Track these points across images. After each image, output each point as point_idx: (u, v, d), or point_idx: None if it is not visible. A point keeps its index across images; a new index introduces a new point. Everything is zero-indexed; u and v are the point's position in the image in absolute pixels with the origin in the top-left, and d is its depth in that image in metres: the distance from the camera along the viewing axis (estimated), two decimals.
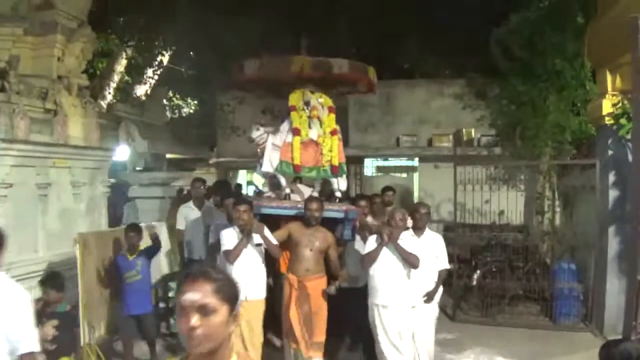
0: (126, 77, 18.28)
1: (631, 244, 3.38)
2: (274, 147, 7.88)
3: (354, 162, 14.87)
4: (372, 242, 6.96)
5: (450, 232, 11.56)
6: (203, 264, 2.50)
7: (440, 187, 13.28)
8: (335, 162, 7.83)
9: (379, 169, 16.29)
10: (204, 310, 2.21)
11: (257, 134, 7.98)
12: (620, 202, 8.77)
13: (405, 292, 6.81)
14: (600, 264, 9.17)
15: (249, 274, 6.88)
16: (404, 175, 15.97)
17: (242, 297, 6.43)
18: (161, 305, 9.47)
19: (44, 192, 8.15)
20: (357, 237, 7.68)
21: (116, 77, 16.86)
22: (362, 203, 8.28)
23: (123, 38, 16.81)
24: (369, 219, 8.09)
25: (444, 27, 15.83)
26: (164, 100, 18.94)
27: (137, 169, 12.08)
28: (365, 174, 15.95)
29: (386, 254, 6.78)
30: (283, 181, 7.89)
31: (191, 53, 18.66)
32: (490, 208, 10.93)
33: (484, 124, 14.43)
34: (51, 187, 8.28)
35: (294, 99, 7.85)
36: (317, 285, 7.17)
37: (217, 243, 7.22)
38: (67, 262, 7.91)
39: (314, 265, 7.14)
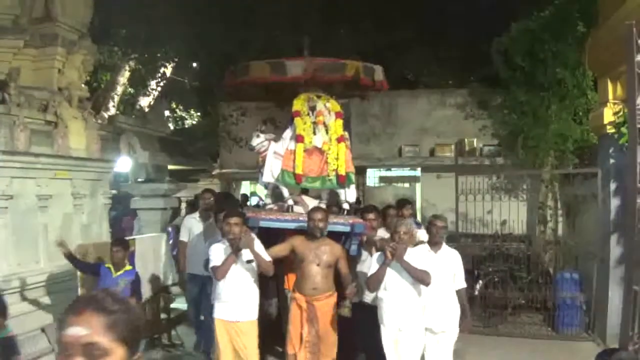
0: (129, 89, 18.38)
1: (627, 253, 3.36)
2: (276, 155, 7.42)
3: (356, 172, 14.84)
4: (375, 260, 6.21)
5: (453, 242, 11.52)
6: (101, 291, 1.82)
7: (443, 197, 13.24)
8: (342, 172, 7.31)
9: (382, 179, 16.29)
10: (90, 352, 1.69)
11: (258, 141, 7.50)
12: (622, 211, 8.75)
13: (417, 313, 6.10)
14: (603, 273, 9.13)
15: (239, 294, 6.38)
16: (407, 185, 15.97)
17: (232, 318, 6.14)
18: (163, 316, 9.47)
19: (45, 204, 8.16)
20: (363, 254, 7.10)
21: (119, 89, 16.96)
22: (371, 216, 7.40)
23: (126, 50, 16.90)
24: (381, 232, 7.40)
25: (446, 37, 15.88)
26: (167, 112, 19.00)
27: (139, 180, 12.08)
28: (367, 184, 15.93)
29: (393, 272, 6.00)
30: (286, 192, 7.48)
31: (194, 64, 18.72)
32: (493, 218, 10.90)
33: (486, 133, 14.40)
34: (52, 199, 8.29)
35: (299, 103, 7.43)
36: (327, 305, 6.61)
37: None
38: (68, 274, 7.91)
39: (322, 283, 6.56)
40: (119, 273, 6.99)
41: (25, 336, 7.35)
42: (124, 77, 17.13)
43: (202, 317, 8.13)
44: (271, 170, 7.43)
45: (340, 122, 7.48)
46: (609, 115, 8.78)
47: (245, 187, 17.90)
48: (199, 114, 21.10)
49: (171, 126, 19.94)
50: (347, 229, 7.09)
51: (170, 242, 9.93)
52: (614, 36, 8.08)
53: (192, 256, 8.31)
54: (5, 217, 7.46)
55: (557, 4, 12.41)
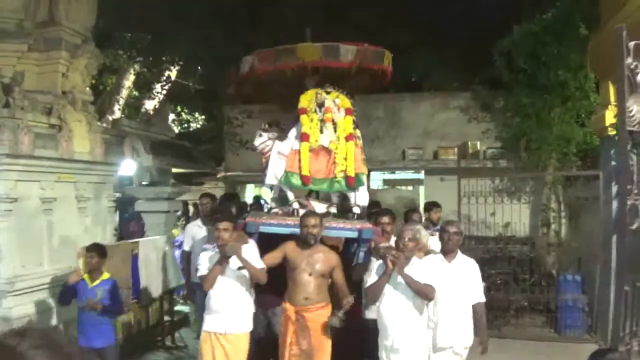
0: (134, 92, 18.46)
1: (619, 255, 3.40)
2: (280, 155, 6.94)
3: None
4: (374, 270, 5.64)
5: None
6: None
7: (446, 200, 13.22)
8: (351, 173, 6.75)
9: (385, 182, 16.34)
10: None
11: (260, 140, 7.04)
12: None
13: (418, 331, 5.44)
14: (605, 275, 9.15)
15: (230, 304, 5.97)
16: (410, 188, 16.01)
17: (220, 330, 5.83)
18: (166, 318, 9.53)
19: (49, 207, 8.21)
20: (372, 262, 5.98)
21: (124, 93, 17.03)
22: (385, 219, 6.90)
23: (131, 54, 16.98)
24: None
25: (450, 39, 15.91)
26: (172, 115, 19.06)
27: (143, 183, 12.15)
28: (371, 187, 15.96)
29: (394, 284, 5.41)
30: (290, 195, 7.04)
31: (199, 68, 18.79)
32: (495, 220, 10.94)
33: (489, 136, 14.42)
34: (56, 202, 8.34)
35: (306, 100, 6.96)
36: (319, 316, 6.11)
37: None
38: None
39: (314, 293, 6.10)
40: (95, 283, 6.61)
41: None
42: (129, 81, 17.20)
43: None
44: (274, 172, 6.98)
45: (350, 119, 6.97)
46: (610, 117, 8.80)
47: (251, 191, 17.96)
48: (203, 117, 21.15)
49: (176, 129, 20.02)
50: (355, 234, 6.59)
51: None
52: (614, 38, 8.11)
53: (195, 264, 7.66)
54: (9, 219, 7.49)
55: (559, 7, 12.46)
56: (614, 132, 8.81)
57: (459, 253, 6.11)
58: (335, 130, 6.89)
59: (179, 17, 15.57)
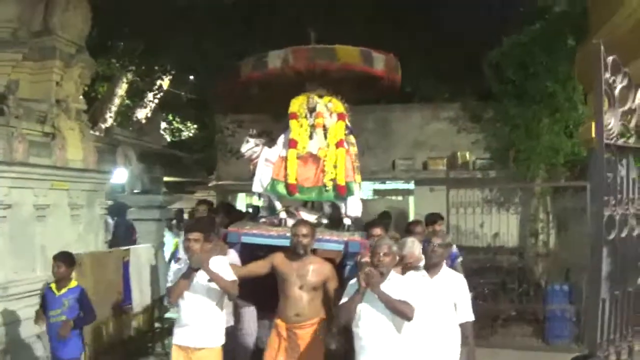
0: (127, 101, 18.52)
1: (595, 265, 3.50)
2: (267, 162, 6.61)
3: None
4: (348, 287, 5.08)
5: None
6: None
7: (436, 210, 13.28)
8: (341, 181, 6.37)
9: (375, 192, 16.42)
10: None
11: (247, 146, 6.67)
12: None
13: (400, 354, 4.81)
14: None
15: (200, 317, 5.56)
16: (400, 198, 16.08)
17: (191, 344, 5.52)
18: (157, 325, 9.58)
19: (42, 213, 8.26)
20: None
21: (117, 101, 17.10)
22: (377, 231, 6.24)
23: (124, 63, 17.04)
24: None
25: (441, 50, 16.02)
26: (164, 124, 19.12)
27: (135, 191, 12.19)
28: (361, 197, 16.00)
29: (371, 302, 4.80)
30: (278, 204, 6.64)
31: (191, 77, 18.86)
32: (483, 231, 11.02)
33: (479, 147, 14.53)
34: (49, 209, 8.39)
35: (296, 104, 6.64)
36: (312, 333, 5.65)
37: None
38: None
39: (306, 308, 5.64)
40: (62, 292, 6.29)
41: (21, 343, 7.47)
42: (121, 89, 17.27)
43: None
44: (260, 179, 6.64)
45: (341, 124, 6.61)
46: None
47: (242, 200, 17.99)
48: (195, 126, 21.22)
49: (168, 138, 20.08)
50: (341, 247, 6.18)
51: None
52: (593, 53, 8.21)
53: None
54: (3, 225, 7.54)
55: (548, 18, 12.57)
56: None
57: (444, 267, 5.53)
58: (325, 137, 6.58)
59: (171, 27, 15.63)
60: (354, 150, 6.84)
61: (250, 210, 9.19)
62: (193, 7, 15.16)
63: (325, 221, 6.74)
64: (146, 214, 11.44)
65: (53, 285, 6.36)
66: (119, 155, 11.02)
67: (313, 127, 6.58)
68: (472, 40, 14.21)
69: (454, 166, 14.43)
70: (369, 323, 4.80)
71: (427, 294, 5.01)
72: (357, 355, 4.92)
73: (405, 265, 5.23)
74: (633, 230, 3.78)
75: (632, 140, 3.84)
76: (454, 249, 7.71)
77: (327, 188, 6.46)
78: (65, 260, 6.34)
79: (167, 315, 10.06)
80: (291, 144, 6.49)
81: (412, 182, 15.48)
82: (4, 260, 7.52)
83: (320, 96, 6.69)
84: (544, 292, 10.44)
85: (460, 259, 8.02)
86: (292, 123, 6.57)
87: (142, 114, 18.15)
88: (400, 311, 4.67)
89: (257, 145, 6.68)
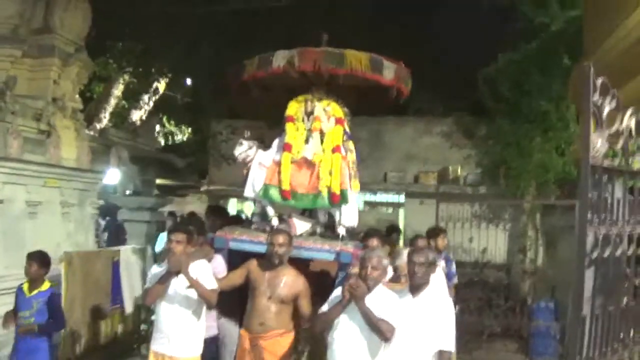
0: (123, 102, 18.53)
1: (576, 281, 3.57)
2: (260, 166, 6.26)
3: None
4: (330, 298, 4.81)
5: None
6: None
7: (426, 223, 13.24)
8: (336, 189, 6.00)
9: (366, 203, 16.46)
10: None
11: (241, 149, 6.35)
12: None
13: None
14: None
15: (177, 325, 5.23)
16: (390, 210, 16.14)
17: (168, 352, 5.26)
18: (143, 327, 9.57)
19: (34, 210, 8.29)
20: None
21: (113, 102, 17.10)
22: (374, 242, 5.96)
23: (121, 64, 17.08)
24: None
25: (436, 64, 16.10)
26: (158, 127, 19.13)
27: (127, 192, 12.23)
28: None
29: (352, 316, 4.52)
30: (270, 210, 6.33)
31: (187, 81, 18.90)
32: (472, 246, 11.07)
33: (470, 162, 14.62)
34: (41, 205, 8.42)
35: (294, 107, 6.35)
36: (277, 344, 5.35)
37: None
38: (54, 278, 7.99)
39: (273, 319, 5.33)
40: (32, 293, 5.91)
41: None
42: (117, 90, 17.28)
43: None
44: (253, 184, 6.30)
45: (339, 129, 6.30)
46: None
47: (233, 205, 18.01)
48: (189, 129, 21.24)
49: (161, 141, 20.09)
50: (332, 257, 5.87)
51: None
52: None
53: None
54: None
55: (544, 37, 12.66)
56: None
57: (430, 287, 4.90)
58: (322, 141, 6.21)
59: (169, 30, 15.68)
60: (352, 156, 6.47)
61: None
62: (191, 13, 15.23)
63: (319, 229, 6.40)
64: (137, 215, 11.47)
65: (25, 285, 5.99)
66: (113, 156, 11.06)
67: (310, 131, 6.24)
68: (468, 56, 14.28)
69: (445, 180, 14.51)
70: (345, 335, 4.54)
71: (407, 315, 4.62)
72: None
73: (399, 277, 5.15)
74: (616, 249, 3.84)
75: (616, 162, 3.91)
76: (453, 267, 7.67)
77: (321, 195, 6.06)
78: (37, 259, 5.96)
79: (154, 317, 10.05)
80: (286, 147, 6.13)
81: (403, 194, 15.54)
82: None
83: (319, 99, 6.38)
84: (530, 308, 10.49)
85: (455, 281, 7.83)
86: (289, 126, 6.25)
87: (137, 115, 18.16)
88: (379, 330, 4.37)
89: (250, 148, 6.36)
